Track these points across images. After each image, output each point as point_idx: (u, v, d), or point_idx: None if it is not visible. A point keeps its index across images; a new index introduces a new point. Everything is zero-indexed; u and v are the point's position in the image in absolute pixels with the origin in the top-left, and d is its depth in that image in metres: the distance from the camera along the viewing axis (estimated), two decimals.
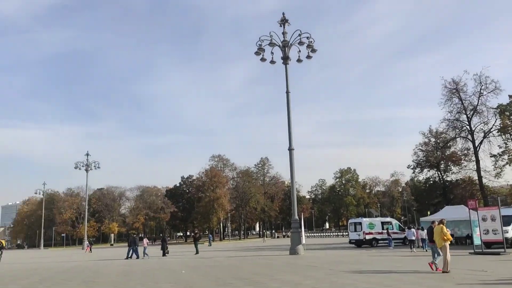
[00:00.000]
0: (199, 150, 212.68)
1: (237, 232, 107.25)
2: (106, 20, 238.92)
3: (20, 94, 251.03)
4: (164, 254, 31.26)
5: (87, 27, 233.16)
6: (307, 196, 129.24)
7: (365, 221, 37.48)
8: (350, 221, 41.86)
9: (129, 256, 29.95)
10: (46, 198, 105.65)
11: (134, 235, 36.81)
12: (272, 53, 28.07)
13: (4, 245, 41.62)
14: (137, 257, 29.63)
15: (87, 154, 67.00)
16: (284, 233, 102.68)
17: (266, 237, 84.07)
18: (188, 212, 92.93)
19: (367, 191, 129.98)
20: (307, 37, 27.43)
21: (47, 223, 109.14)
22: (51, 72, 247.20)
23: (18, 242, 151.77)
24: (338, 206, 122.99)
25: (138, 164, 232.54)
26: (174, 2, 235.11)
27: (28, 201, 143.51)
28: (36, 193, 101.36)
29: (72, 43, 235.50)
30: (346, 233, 55.15)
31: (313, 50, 27.79)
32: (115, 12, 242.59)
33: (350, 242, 37.64)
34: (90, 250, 53.81)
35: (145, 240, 33.90)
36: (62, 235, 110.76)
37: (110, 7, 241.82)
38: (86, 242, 61.24)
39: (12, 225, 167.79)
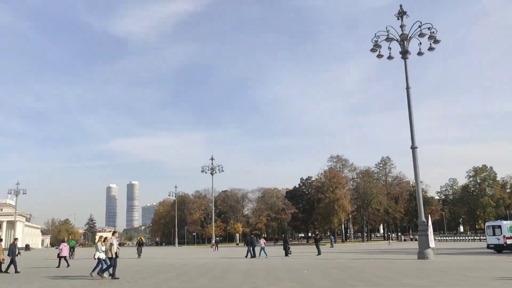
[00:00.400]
0: (317, 151, 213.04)
1: (359, 234, 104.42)
2: (224, 31, 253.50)
3: (154, 105, 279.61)
4: (286, 254, 32.06)
5: (207, 39, 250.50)
6: (436, 197, 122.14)
7: (506, 224, 33.77)
8: (487, 224, 38.06)
9: (253, 255, 31.24)
10: (178, 200, 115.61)
11: (252, 235, 38.22)
12: (389, 48, 26.88)
13: (144, 241, 46.58)
14: (254, 256, 31.02)
15: (212, 159, 71.28)
16: (411, 236, 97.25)
17: (392, 239, 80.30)
18: (308, 213, 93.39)
19: (508, 190, 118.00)
20: (428, 28, 25.65)
21: (180, 222, 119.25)
22: (178, 83, 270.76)
23: (157, 239, 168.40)
24: (473, 207, 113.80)
25: (258, 166, 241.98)
26: (285, 5, 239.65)
27: (163, 202, 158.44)
28: (169, 195, 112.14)
29: (195, 55, 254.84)
30: (484, 237, 49.95)
31: (436, 41, 25.90)
32: (231, 22, 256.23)
33: (488, 247, 34.27)
34: (216, 248, 57.25)
35: (262, 240, 34.96)
36: (193, 234, 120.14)
37: (226, 19, 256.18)
38: (213, 241, 65.37)
39: (151, 224, 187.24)
